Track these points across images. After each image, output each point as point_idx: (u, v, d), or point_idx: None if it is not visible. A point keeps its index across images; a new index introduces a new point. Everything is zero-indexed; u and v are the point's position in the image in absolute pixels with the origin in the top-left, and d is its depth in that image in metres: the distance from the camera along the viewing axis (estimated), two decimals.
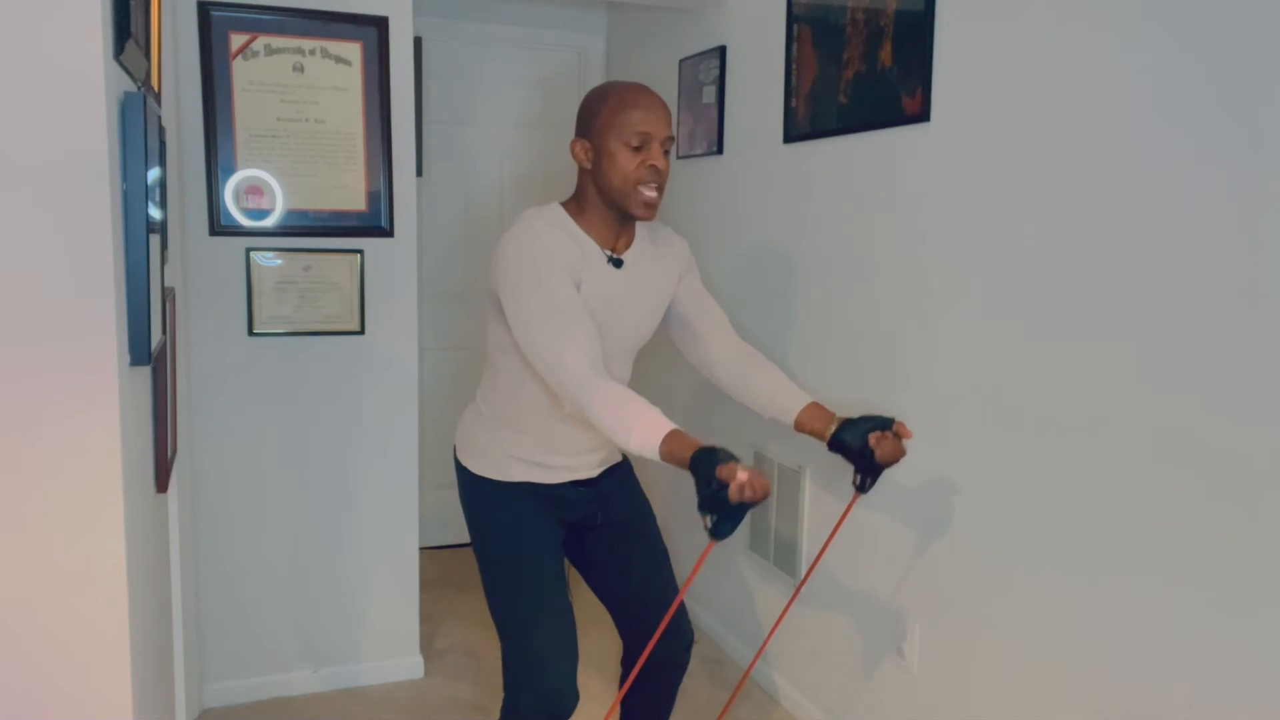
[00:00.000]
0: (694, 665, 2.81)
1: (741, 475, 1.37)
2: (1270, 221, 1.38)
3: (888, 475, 2.19)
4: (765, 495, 1.38)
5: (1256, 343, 1.40)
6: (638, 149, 1.70)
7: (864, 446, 1.71)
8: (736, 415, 2.85)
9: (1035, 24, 1.76)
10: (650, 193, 1.72)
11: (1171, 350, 1.53)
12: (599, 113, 1.73)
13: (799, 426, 1.80)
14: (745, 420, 2.81)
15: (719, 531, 1.44)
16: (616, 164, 1.70)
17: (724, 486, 1.38)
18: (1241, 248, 1.42)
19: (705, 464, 1.40)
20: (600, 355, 1.62)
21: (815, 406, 1.80)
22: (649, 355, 2.21)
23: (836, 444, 1.74)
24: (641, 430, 1.50)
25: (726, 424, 2.94)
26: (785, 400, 1.82)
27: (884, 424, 1.73)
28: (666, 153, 1.74)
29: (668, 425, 1.50)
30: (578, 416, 1.74)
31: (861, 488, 1.79)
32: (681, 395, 3.23)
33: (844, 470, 2.30)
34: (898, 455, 1.72)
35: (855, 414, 1.77)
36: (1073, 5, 1.68)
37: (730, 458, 1.40)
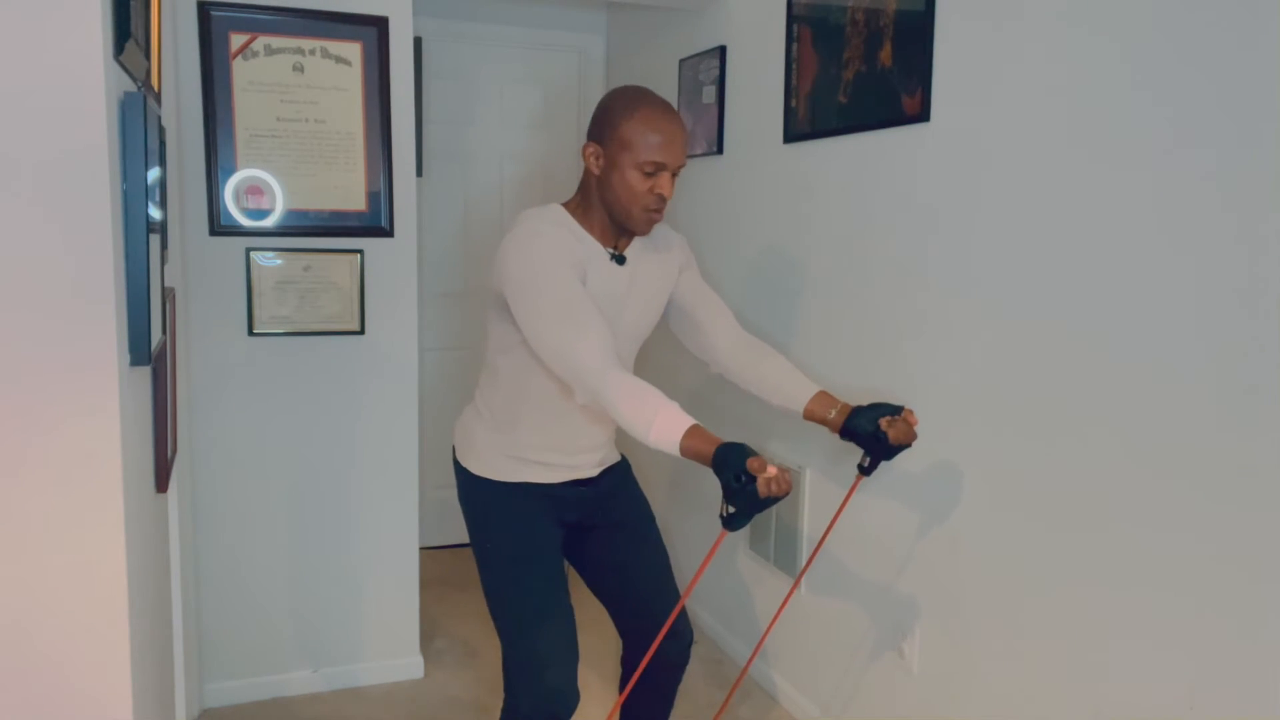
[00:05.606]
0: (694, 665, 2.81)
1: (770, 470, 1.37)
2: (1269, 221, 1.38)
3: (889, 473, 2.20)
4: (789, 490, 1.38)
5: (1256, 343, 1.40)
6: (650, 175, 1.69)
7: (876, 430, 1.71)
8: (736, 414, 2.85)
9: (1035, 24, 1.76)
10: (654, 215, 1.73)
11: (1171, 349, 1.53)
12: (619, 125, 1.69)
13: (809, 415, 1.79)
14: (744, 419, 2.81)
15: (735, 523, 1.43)
16: (626, 183, 1.69)
17: (753, 480, 1.37)
18: (1240, 247, 1.42)
19: (735, 456, 1.39)
20: (612, 345, 1.61)
21: (824, 395, 1.79)
22: (651, 347, 2.21)
23: (849, 431, 1.74)
24: (662, 424, 1.48)
25: (725, 423, 2.94)
26: (793, 389, 1.82)
27: (893, 410, 1.73)
28: (674, 177, 1.73)
29: (689, 420, 1.48)
30: (590, 409, 1.74)
31: (867, 470, 1.78)
32: (681, 392, 3.23)
33: (846, 458, 2.29)
34: (910, 438, 1.72)
35: (863, 403, 1.77)
36: (1073, 6, 1.68)
37: (755, 453, 1.40)
